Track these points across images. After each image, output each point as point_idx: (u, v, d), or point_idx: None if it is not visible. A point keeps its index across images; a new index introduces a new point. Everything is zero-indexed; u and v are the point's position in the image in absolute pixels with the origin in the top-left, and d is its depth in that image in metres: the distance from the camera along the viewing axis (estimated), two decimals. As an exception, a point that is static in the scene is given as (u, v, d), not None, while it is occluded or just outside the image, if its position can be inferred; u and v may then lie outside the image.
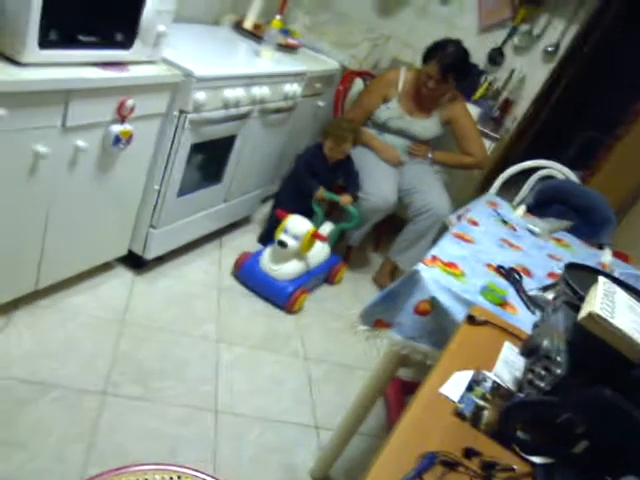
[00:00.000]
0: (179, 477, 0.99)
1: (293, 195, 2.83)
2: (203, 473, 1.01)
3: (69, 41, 1.55)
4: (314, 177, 2.78)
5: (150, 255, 2.34)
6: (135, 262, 2.37)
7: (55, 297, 2.06)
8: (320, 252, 2.72)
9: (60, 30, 1.50)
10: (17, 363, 1.76)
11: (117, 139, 1.81)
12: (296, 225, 2.53)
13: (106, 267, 2.29)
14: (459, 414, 1.03)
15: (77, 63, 1.61)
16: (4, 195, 1.60)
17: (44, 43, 1.46)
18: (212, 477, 1.01)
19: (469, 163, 3.13)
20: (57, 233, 1.87)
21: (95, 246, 2.11)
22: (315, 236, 2.57)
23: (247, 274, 2.59)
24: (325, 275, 2.85)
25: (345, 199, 2.76)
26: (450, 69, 2.80)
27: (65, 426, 1.64)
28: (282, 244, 2.50)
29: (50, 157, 1.62)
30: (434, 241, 2.63)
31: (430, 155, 3.08)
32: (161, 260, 2.48)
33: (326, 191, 2.75)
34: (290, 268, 2.55)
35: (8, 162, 1.55)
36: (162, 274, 2.45)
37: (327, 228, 2.81)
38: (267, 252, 2.59)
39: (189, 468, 1.00)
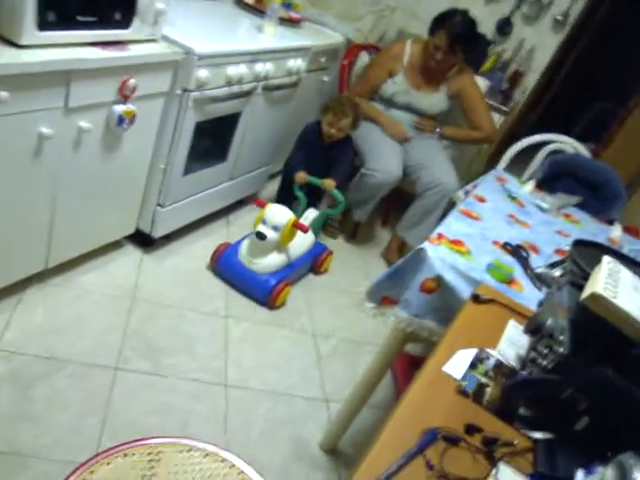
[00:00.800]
0: (189, 450, 1.01)
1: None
2: (214, 446, 1.03)
3: (67, 22, 1.54)
4: (307, 155, 2.69)
5: (158, 233, 2.36)
6: (143, 240, 2.39)
7: (66, 275, 2.09)
8: (303, 241, 2.54)
9: (58, 11, 1.48)
10: (31, 340, 1.80)
11: (120, 119, 1.81)
12: (275, 215, 2.33)
13: (115, 246, 2.32)
14: (462, 391, 1.04)
15: (76, 43, 1.60)
16: (11, 176, 1.62)
17: (42, 24, 1.46)
18: (223, 449, 1.04)
19: (478, 137, 3.09)
20: (65, 213, 1.89)
21: (103, 225, 2.13)
22: (296, 226, 2.37)
23: (225, 268, 2.40)
24: (310, 265, 2.67)
25: (328, 183, 2.62)
26: (458, 39, 2.73)
27: (79, 400, 1.69)
28: (260, 236, 2.30)
29: (54, 138, 1.63)
30: (442, 217, 2.62)
31: (438, 130, 3.05)
32: (169, 238, 2.50)
33: (307, 174, 2.63)
34: (270, 261, 2.37)
35: (13, 144, 1.56)
36: (170, 252, 2.47)
37: (311, 215, 2.64)
38: (245, 244, 2.41)
39: (200, 441, 1.03)
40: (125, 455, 0.96)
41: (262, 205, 2.41)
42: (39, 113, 1.56)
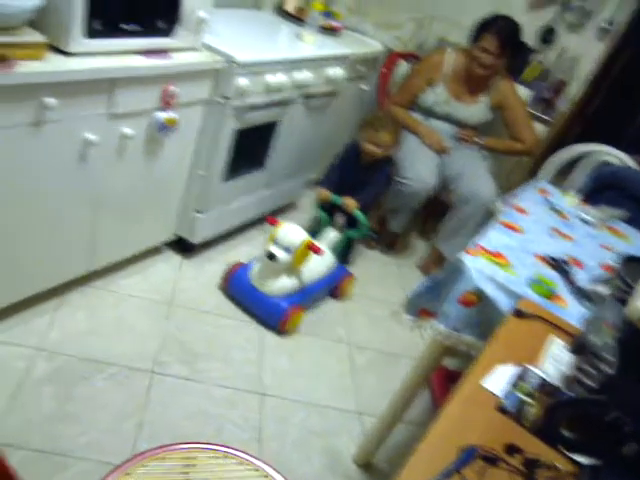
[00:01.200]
0: (225, 456, 1.01)
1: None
2: (248, 454, 1.03)
3: (113, 30, 1.59)
4: (342, 176, 2.61)
5: (197, 239, 2.39)
6: (183, 246, 2.42)
7: (107, 279, 2.14)
8: (321, 264, 2.38)
9: (104, 20, 1.53)
10: (72, 341, 1.85)
11: (162, 126, 1.84)
12: (287, 235, 2.17)
13: (155, 251, 2.36)
14: (502, 409, 1.01)
15: (121, 52, 1.64)
16: (56, 181, 1.67)
17: (89, 33, 1.50)
18: (257, 458, 1.03)
19: (519, 150, 3.02)
20: (107, 218, 1.94)
21: (143, 231, 2.17)
22: (310, 248, 2.21)
23: (236, 289, 2.29)
24: (329, 289, 2.51)
25: (348, 202, 2.49)
26: (508, 39, 2.70)
27: (118, 402, 1.72)
28: (271, 256, 2.16)
29: (99, 144, 1.67)
30: (479, 228, 2.56)
31: (479, 141, 3.00)
32: (208, 245, 2.53)
33: (330, 192, 2.53)
34: (282, 283, 2.22)
35: (60, 149, 1.60)
36: (209, 258, 2.49)
37: (331, 236, 2.51)
38: (257, 264, 2.28)
39: (235, 449, 1.03)
40: (161, 459, 0.97)
41: (274, 223, 2.27)
42: (85, 119, 1.60)
